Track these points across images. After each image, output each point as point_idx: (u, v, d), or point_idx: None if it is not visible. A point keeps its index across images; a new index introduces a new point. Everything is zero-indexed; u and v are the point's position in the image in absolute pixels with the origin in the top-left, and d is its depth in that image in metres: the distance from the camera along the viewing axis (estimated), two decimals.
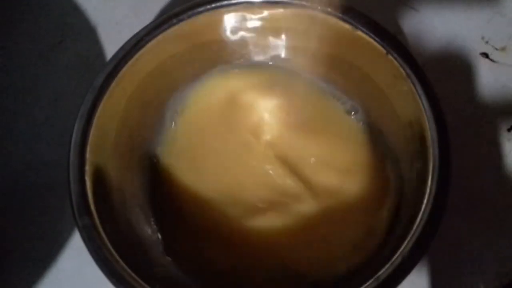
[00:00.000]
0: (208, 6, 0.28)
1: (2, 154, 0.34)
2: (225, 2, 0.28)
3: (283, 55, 0.32)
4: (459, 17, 0.38)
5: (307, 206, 0.28)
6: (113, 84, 0.27)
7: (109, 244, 0.23)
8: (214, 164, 0.30)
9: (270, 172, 0.30)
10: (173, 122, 0.31)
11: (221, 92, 0.32)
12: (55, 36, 0.38)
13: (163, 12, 0.38)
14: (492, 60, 0.36)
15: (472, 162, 0.32)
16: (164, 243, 0.27)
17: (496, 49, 0.36)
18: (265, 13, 0.29)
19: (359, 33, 0.27)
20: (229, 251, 0.28)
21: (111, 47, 0.36)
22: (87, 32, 0.38)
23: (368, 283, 0.22)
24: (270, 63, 0.32)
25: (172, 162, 0.30)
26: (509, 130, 0.33)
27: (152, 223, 0.28)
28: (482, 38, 0.37)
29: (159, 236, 0.28)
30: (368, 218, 0.27)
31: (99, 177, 0.25)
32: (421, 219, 0.23)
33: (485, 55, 0.36)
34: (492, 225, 0.31)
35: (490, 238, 0.31)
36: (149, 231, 0.27)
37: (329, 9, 0.27)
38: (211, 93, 0.32)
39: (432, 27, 0.37)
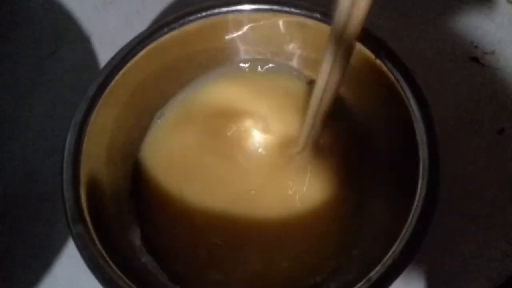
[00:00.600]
0: (199, 15, 0.29)
1: None
2: (216, 11, 0.29)
3: (273, 61, 0.32)
4: (448, 22, 0.38)
5: (294, 205, 0.29)
6: (106, 93, 0.27)
7: (103, 251, 0.23)
8: (202, 172, 0.30)
9: (255, 174, 0.30)
10: (164, 130, 0.32)
11: (211, 99, 0.32)
12: (50, 46, 0.39)
13: (155, 22, 0.38)
14: (481, 64, 0.37)
15: (463, 165, 0.33)
16: (152, 251, 0.28)
17: (486, 53, 0.37)
18: (255, 20, 0.29)
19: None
20: (217, 259, 0.28)
21: (105, 56, 0.37)
22: (81, 42, 0.38)
23: (359, 284, 0.22)
24: (261, 69, 0.32)
25: (161, 170, 0.30)
26: (499, 132, 0.34)
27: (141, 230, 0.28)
28: (472, 42, 0.37)
29: (145, 243, 0.28)
30: (357, 218, 0.28)
31: (93, 185, 0.26)
32: (411, 220, 0.23)
33: (475, 59, 0.37)
34: (483, 226, 0.31)
35: (483, 239, 0.31)
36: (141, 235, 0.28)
37: (318, 15, 0.28)
38: (201, 100, 0.32)
39: (422, 32, 0.38)
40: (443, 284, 0.30)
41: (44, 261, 0.31)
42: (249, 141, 0.31)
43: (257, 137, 0.31)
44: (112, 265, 0.23)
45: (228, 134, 0.32)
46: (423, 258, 0.30)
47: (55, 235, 0.32)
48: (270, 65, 0.32)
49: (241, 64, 0.32)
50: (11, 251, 0.31)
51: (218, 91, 0.32)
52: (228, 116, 0.32)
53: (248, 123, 0.32)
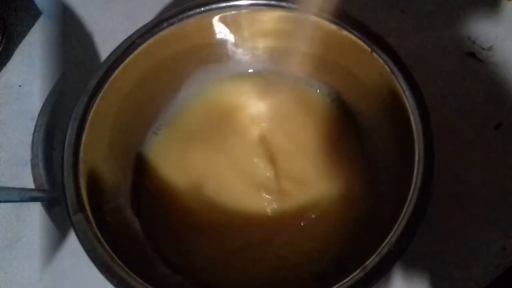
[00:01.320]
0: (198, 10, 0.29)
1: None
2: (214, 6, 0.29)
3: (270, 56, 0.32)
4: (446, 18, 0.38)
5: (292, 198, 0.29)
6: (106, 87, 0.28)
7: (102, 239, 0.24)
8: (201, 166, 0.31)
9: (256, 168, 0.30)
10: (164, 123, 0.32)
11: (212, 96, 0.33)
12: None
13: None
14: (479, 60, 0.37)
15: (460, 159, 0.33)
16: (151, 240, 0.28)
17: (483, 48, 0.37)
18: (253, 16, 0.30)
19: (345, 32, 0.28)
20: (218, 250, 0.28)
21: (107, 53, 0.37)
22: (84, 39, 0.39)
23: (355, 273, 0.22)
24: (259, 64, 0.33)
25: (162, 163, 0.31)
26: (496, 127, 0.34)
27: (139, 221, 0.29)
28: (469, 38, 0.38)
29: (143, 233, 0.28)
30: (353, 209, 0.28)
31: (93, 176, 0.26)
32: (407, 210, 0.23)
33: (472, 54, 0.37)
34: (481, 220, 0.31)
35: (481, 232, 0.31)
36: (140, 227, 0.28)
37: (315, 10, 0.28)
38: (201, 95, 0.33)
39: (419, 28, 0.38)
40: (442, 277, 0.30)
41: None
42: (251, 137, 0.32)
43: (258, 134, 0.32)
44: (112, 253, 0.23)
45: (229, 130, 0.32)
46: (422, 252, 0.30)
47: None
48: (267, 59, 0.33)
49: (240, 59, 0.33)
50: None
51: (219, 89, 0.33)
52: (228, 113, 0.32)
53: (247, 120, 0.32)
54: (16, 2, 0.42)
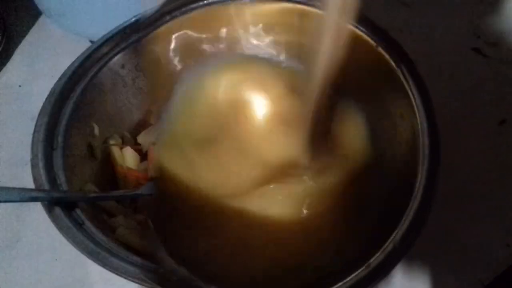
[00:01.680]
0: (201, 3, 0.29)
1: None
2: None
3: (273, 49, 0.32)
4: (451, 12, 0.38)
5: (296, 190, 0.29)
6: None
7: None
8: (207, 155, 0.30)
9: (260, 158, 0.30)
10: (168, 115, 0.32)
11: (215, 87, 0.32)
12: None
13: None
14: (483, 55, 0.36)
15: (463, 156, 0.33)
16: (156, 233, 0.28)
17: (488, 44, 0.37)
18: (256, 8, 0.29)
19: (349, 27, 0.28)
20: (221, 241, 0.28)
21: None
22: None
23: (359, 271, 0.22)
24: (262, 56, 0.32)
25: (166, 155, 0.30)
26: (500, 124, 0.34)
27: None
28: (474, 33, 0.37)
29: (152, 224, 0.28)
30: (358, 202, 0.28)
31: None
32: (411, 207, 0.23)
33: (477, 50, 0.37)
34: (485, 216, 0.31)
35: (484, 228, 0.31)
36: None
37: (318, 4, 0.28)
38: (206, 88, 0.32)
39: (423, 23, 0.38)
40: (446, 274, 0.30)
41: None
42: (255, 128, 0.32)
43: (262, 125, 0.32)
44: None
45: (234, 120, 0.32)
46: (424, 250, 0.30)
47: None
48: (270, 52, 0.32)
49: (243, 52, 0.32)
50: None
51: (221, 80, 0.32)
52: (232, 106, 0.32)
53: (250, 113, 0.32)
54: (16, 2, 0.42)
